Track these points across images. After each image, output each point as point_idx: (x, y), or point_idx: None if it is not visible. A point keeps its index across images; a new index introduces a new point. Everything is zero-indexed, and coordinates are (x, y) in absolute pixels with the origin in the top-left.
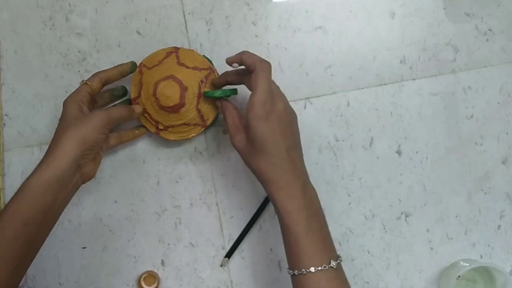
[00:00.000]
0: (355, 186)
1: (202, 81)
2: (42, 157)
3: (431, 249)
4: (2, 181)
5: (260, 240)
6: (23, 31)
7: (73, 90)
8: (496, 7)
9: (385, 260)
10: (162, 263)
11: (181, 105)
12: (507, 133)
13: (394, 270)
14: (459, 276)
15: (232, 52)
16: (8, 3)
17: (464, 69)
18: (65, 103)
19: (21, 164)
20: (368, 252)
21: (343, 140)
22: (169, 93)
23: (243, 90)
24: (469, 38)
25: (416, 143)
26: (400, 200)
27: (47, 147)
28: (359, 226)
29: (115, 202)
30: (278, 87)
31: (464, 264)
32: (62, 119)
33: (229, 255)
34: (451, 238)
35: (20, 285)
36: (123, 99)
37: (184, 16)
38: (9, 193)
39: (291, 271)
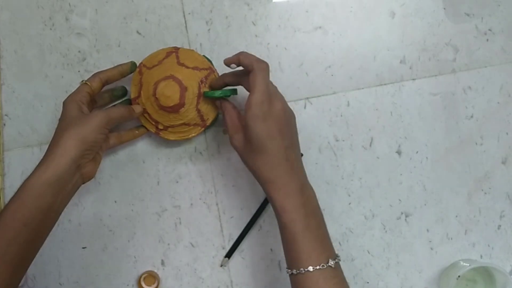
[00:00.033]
0: (355, 186)
1: (202, 81)
2: (42, 157)
3: (431, 249)
4: (2, 181)
5: (260, 240)
6: (23, 31)
7: (73, 90)
8: (496, 7)
9: (385, 260)
10: (162, 263)
11: (181, 105)
12: (507, 133)
13: (394, 270)
14: (459, 276)
15: (232, 52)
16: (8, 3)
17: (464, 69)
18: (65, 103)
19: (21, 164)
20: (368, 252)
21: (343, 140)
22: (169, 93)
23: (243, 90)
24: (469, 38)
25: (416, 143)
26: (400, 200)
27: (47, 147)
28: (359, 226)
29: (115, 202)
30: (275, 87)
31: (464, 264)
32: (62, 119)
33: (229, 255)
34: (451, 238)
35: (20, 285)
36: (123, 99)
37: (184, 16)
38: (9, 193)
39: (289, 270)
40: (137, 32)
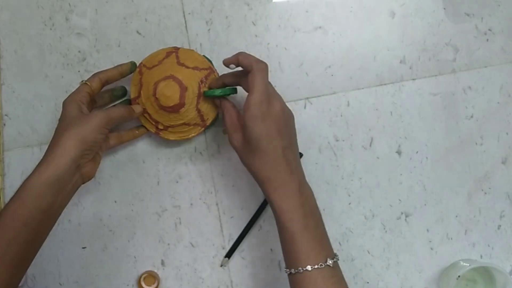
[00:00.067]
0: (355, 186)
1: (202, 81)
2: (42, 157)
3: (431, 249)
4: (2, 181)
5: (260, 240)
6: (23, 31)
7: (73, 90)
8: (496, 7)
9: (385, 260)
10: (162, 263)
11: (181, 105)
12: (507, 133)
13: (394, 270)
14: (459, 276)
15: (232, 52)
16: (8, 3)
17: (464, 69)
18: (64, 103)
19: (21, 164)
20: (368, 252)
21: (343, 140)
22: (169, 93)
23: (242, 89)
24: (469, 38)
25: (416, 143)
26: (400, 200)
27: (47, 147)
28: (359, 226)
29: (115, 202)
30: (274, 87)
31: (464, 264)
32: (61, 119)
33: (229, 255)
34: (451, 238)
35: (20, 285)
36: (123, 99)
37: (184, 16)
38: (9, 193)
39: (288, 270)
40: (137, 32)
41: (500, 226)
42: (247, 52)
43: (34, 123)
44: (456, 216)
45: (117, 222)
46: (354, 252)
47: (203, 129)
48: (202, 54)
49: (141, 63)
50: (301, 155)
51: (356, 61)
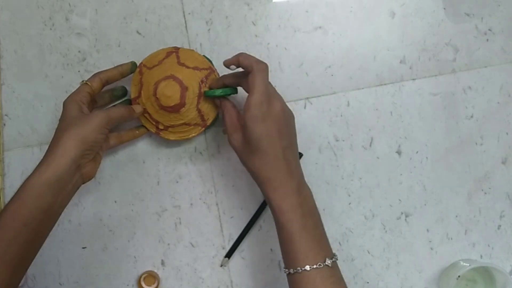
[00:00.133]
0: (355, 186)
1: (202, 81)
2: (42, 157)
3: (431, 249)
4: (2, 181)
5: (260, 240)
6: (23, 31)
7: (73, 90)
8: (496, 7)
9: (385, 260)
10: (162, 263)
11: (181, 105)
12: (507, 133)
13: (394, 270)
14: (459, 276)
15: (232, 52)
16: (8, 3)
17: (464, 69)
18: (65, 103)
19: (21, 164)
20: (368, 252)
21: (343, 140)
22: (170, 93)
23: (242, 89)
24: (469, 38)
25: (416, 143)
26: (400, 200)
27: (47, 147)
28: (359, 226)
29: (115, 202)
30: (274, 88)
31: (464, 264)
32: (62, 119)
33: (229, 255)
34: (451, 238)
35: (20, 285)
36: (123, 99)
37: (184, 16)
38: (9, 193)
39: (286, 270)
40: (137, 32)
41: (500, 226)
42: (247, 52)
43: (34, 123)
44: (456, 216)
45: (117, 222)
46: (354, 252)
47: (203, 129)
48: (202, 54)
49: (141, 63)
50: (301, 155)
51: (356, 61)
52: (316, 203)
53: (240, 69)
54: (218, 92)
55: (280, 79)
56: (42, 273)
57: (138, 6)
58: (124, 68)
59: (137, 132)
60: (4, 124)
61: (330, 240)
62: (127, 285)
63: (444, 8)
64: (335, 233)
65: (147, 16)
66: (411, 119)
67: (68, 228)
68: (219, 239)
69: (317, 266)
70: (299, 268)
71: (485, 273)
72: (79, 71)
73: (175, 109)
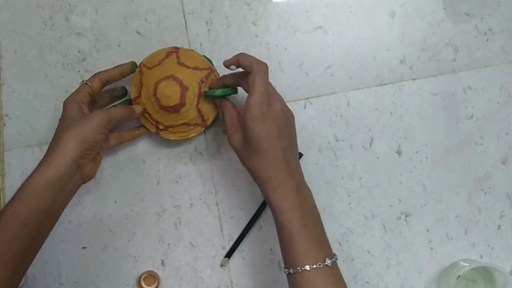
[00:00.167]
0: (355, 186)
1: (202, 81)
2: (42, 157)
3: (431, 249)
4: (2, 181)
5: (260, 240)
6: (23, 31)
7: (73, 90)
8: (496, 7)
9: (385, 260)
10: (162, 263)
11: (181, 105)
12: (507, 133)
13: (394, 270)
14: (459, 276)
15: (232, 52)
16: (8, 3)
17: (464, 69)
18: (65, 103)
19: (21, 164)
20: (368, 252)
21: (343, 140)
22: (170, 93)
23: (243, 89)
24: (469, 38)
25: (416, 143)
26: (400, 200)
27: (47, 147)
28: (359, 226)
29: (115, 202)
30: (274, 88)
31: (464, 264)
32: (62, 119)
33: (229, 255)
34: (451, 238)
35: (20, 285)
36: (123, 99)
37: (184, 16)
38: (9, 193)
39: (286, 270)
40: (137, 32)
41: (500, 226)
42: (247, 52)
43: (34, 123)
44: (456, 216)
45: (117, 222)
46: (354, 252)
47: (203, 129)
48: (202, 54)
49: (141, 63)
50: (301, 155)
51: (356, 61)
52: (316, 203)
53: (240, 69)
54: (218, 92)
55: (280, 79)
56: (42, 273)
57: (138, 6)
58: (124, 68)
59: (137, 132)
60: (4, 124)
61: (330, 240)
62: (127, 285)
63: (444, 8)
64: (335, 233)
65: (147, 16)
66: (411, 119)
67: (68, 228)
68: (219, 239)
69: (317, 266)
70: (299, 268)
71: (485, 273)
72: (79, 71)
73: (175, 109)
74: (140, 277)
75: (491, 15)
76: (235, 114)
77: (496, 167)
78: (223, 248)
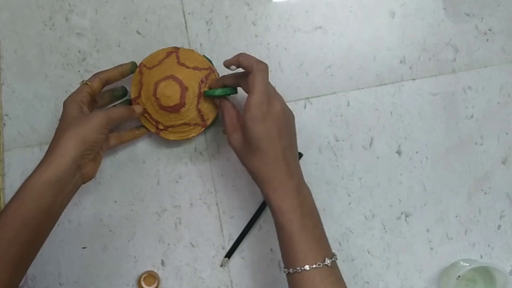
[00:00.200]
0: (355, 186)
1: (202, 81)
2: (42, 157)
3: (431, 249)
4: (2, 181)
5: (260, 240)
6: (23, 31)
7: (73, 90)
8: (496, 7)
9: (385, 260)
10: (162, 263)
11: (181, 105)
12: (507, 133)
13: (394, 270)
14: (459, 276)
15: (232, 52)
16: (8, 3)
17: (464, 69)
18: (65, 103)
19: (21, 164)
20: (368, 252)
21: (343, 140)
22: (170, 93)
23: (243, 90)
24: (469, 38)
25: (416, 143)
26: (400, 200)
27: (47, 147)
28: (359, 226)
29: (115, 202)
30: (274, 88)
31: (464, 264)
32: (62, 119)
33: (229, 255)
34: (451, 238)
35: (20, 285)
36: (123, 99)
37: (184, 16)
38: (9, 193)
39: (286, 269)
40: (137, 32)
41: (500, 226)
42: (247, 52)
43: (34, 123)
44: (456, 216)
45: (117, 222)
46: (354, 252)
47: (203, 129)
48: (202, 54)
49: (141, 63)
50: (301, 155)
51: (356, 61)
52: (316, 203)
53: (240, 69)
54: (218, 92)
55: (280, 79)
56: (42, 273)
57: (138, 6)
58: (124, 68)
59: (137, 132)
60: (4, 124)
61: (330, 240)
62: (127, 285)
63: (444, 8)
64: (335, 233)
65: (147, 16)
66: (411, 119)
67: (68, 228)
68: (219, 239)
69: (317, 266)
70: (298, 268)
71: (485, 273)
72: (79, 71)
73: (175, 109)
74: (140, 277)
75: (491, 15)
76: (235, 114)
77: (496, 167)
78: (223, 248)
